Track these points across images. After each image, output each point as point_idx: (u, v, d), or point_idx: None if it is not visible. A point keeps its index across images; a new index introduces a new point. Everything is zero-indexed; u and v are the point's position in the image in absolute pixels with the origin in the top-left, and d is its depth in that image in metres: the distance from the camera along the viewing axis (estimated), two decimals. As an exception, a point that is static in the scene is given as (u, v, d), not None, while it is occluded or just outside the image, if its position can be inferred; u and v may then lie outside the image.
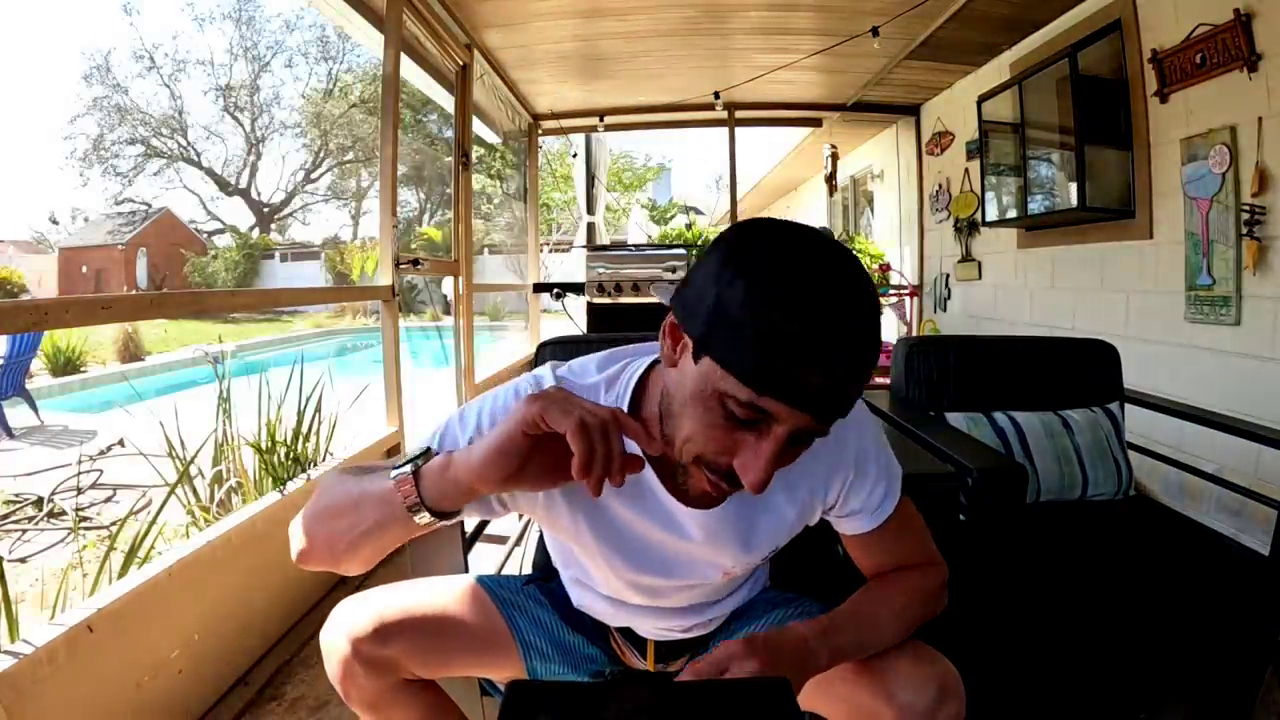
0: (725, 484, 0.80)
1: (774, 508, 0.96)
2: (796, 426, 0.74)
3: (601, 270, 5.16)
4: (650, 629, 1.11)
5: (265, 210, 30.77)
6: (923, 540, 1.04)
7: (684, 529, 0.93)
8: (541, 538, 1.28)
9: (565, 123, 6.03)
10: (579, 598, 1.13)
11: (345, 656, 1.01)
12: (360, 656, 1.01)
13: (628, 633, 1.13)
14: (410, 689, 1.08)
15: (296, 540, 0.89)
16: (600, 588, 1.07)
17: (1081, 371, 2.19)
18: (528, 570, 1.33)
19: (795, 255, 0.72)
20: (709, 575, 0.99)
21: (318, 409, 2.79)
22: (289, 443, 2.67)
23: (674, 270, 5.20)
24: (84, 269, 25.62)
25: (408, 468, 0.81)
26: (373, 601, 1.07)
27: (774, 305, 0.69)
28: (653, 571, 0.98)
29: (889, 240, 6.56)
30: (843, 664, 0.94)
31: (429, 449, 0.84)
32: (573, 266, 7.09)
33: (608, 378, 0.93)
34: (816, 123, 6.18)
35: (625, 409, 0.88)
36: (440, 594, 1.13)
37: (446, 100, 4.37)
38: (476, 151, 5.15)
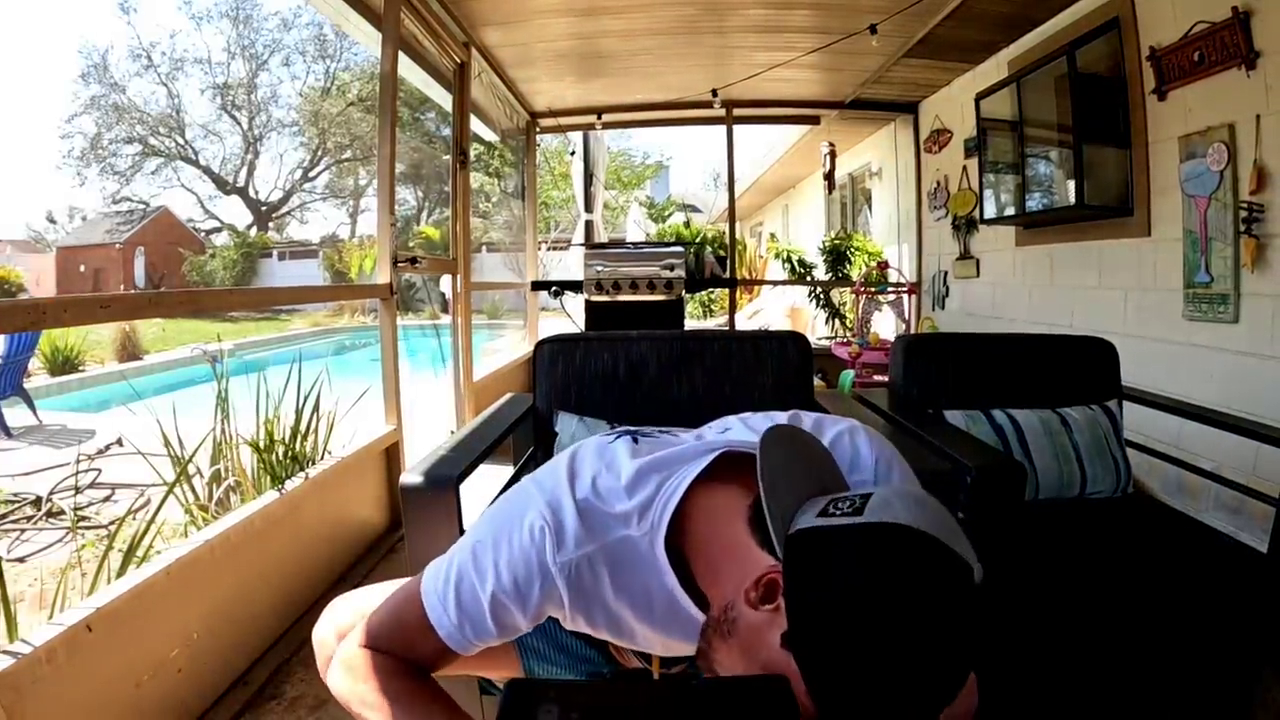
0: None
1: None
2: None
3: (600, 268, 5.17)
4: None
5: (263, 209, 30.70)
6: None
7: None
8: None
9: (563, 120, 6.02)
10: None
11: (334, 653, 1.01)
12: None
13: None
14: None
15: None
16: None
17: (1080, 369, 2.20)
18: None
19: (926, 651, 0.66)
20: None
21: (316, 407, 2.79)
22: (287, 441, 2.67)
23: (671, 269, 5.20)
24: (82, 268, 25.57)
25: None
26: (363, 599, 1.06)
27: (877, 697, 0.66)
28: (680, 660, 0.97)
29: (887, 238, 6.57)
30: None
31: None
32: (571, 264, 7.10)
33: (640, 506, 0.85)
34: (814, 120, 6.18)
35: (662, 543, 0.83)
36: None
37: (444, 98, 4.36)
38: (474, 150, 5.15)
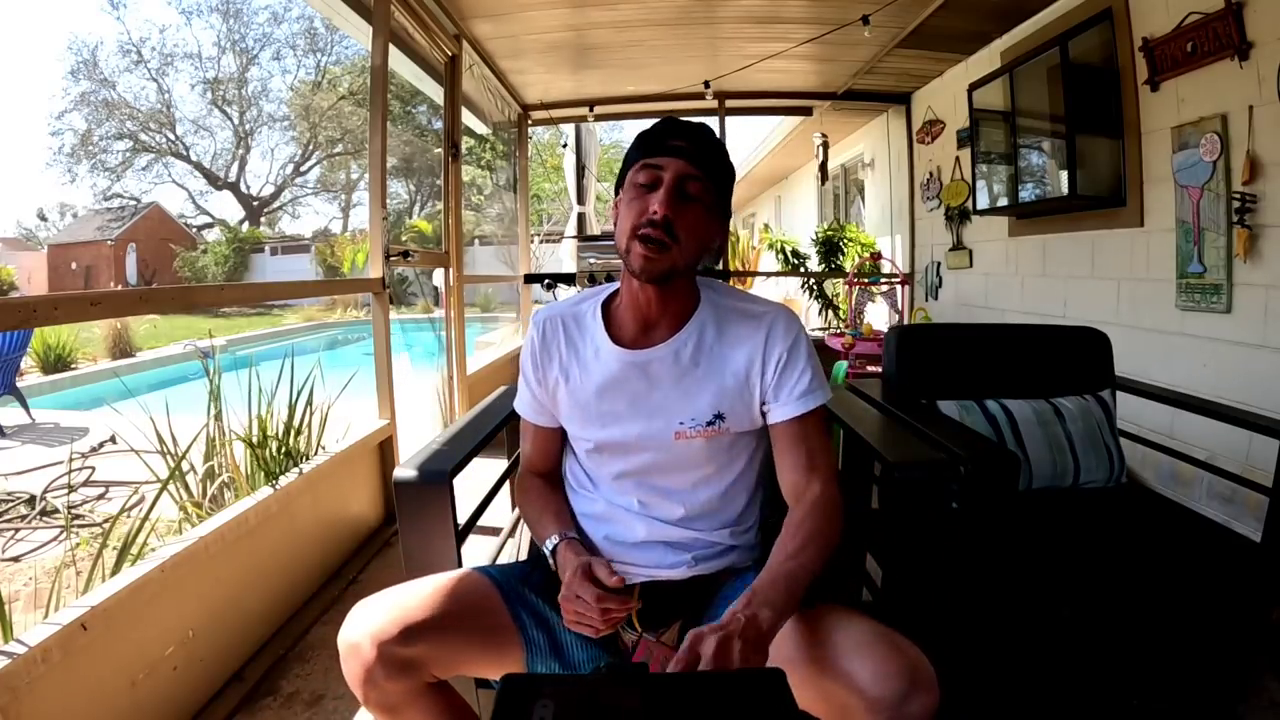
0: (651, 236, 1.09)
1: (716, 369, 1.19)
2: (678, 173, 1.11)
3: (593, 260, 5.15)
4: (641, 547, 1.20)
5: (254, 204, 30.53)
6: (828, 457, 1.20)
7: (640, 374, 1.20)
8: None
9: (555, 113, 6.00)
10: (577, 503, 1.29)
11: (368, 659, 0.99)
12: (384, 658, 0.99)
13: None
14: (430, 691, 1.07)
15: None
16: (590, 471, 1.28)
17: (1073, 359, 2.20)
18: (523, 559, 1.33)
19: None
20: (664, 429, 1.18)
21: (309, 403, 2.78)
22: (281, 437, 2.66)
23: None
24: (73, 265, 25.39)
25: (548, 550, 1.20)
26: (392, 601, 1.06)
27: (651, 126, 1.16)
28: (619, 421, 1.20)
29: (880, 229, 6.56)
30: (811, 657, 0.96)
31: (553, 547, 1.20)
32: (564, 257, 7.07)
33: (589, 294, 1.30)
34: (807, 111, 6.17)
35: (600, 309, 1.25)
36: (454, 591, 1.12)
37: (436, 91, 4.34)
38: (466, 143, 5.13)
